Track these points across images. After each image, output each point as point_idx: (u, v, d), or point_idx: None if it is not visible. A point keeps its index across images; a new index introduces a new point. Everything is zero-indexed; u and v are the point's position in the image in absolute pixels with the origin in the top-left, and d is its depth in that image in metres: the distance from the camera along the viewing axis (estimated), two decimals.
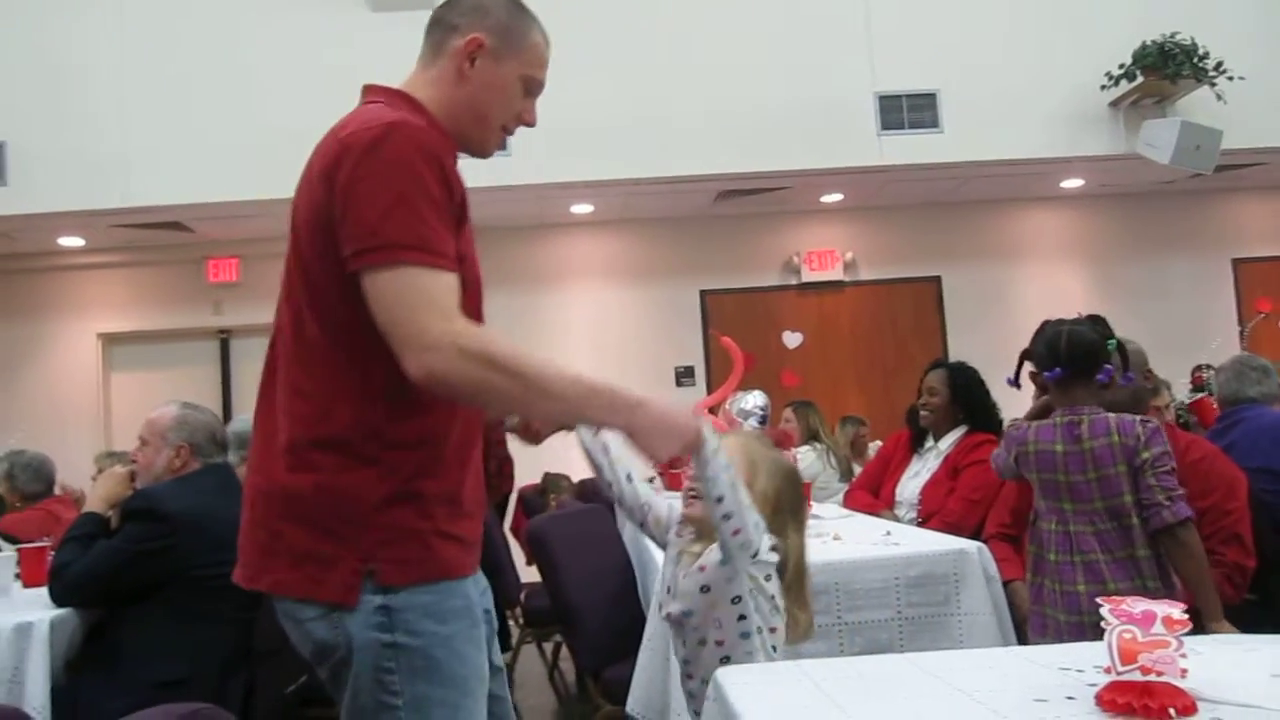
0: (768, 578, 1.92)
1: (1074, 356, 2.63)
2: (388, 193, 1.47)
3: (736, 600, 1.90)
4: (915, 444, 4.15)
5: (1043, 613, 2.60)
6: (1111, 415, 2.59)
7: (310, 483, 1.53)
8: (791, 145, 6.70)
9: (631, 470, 2.02)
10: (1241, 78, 6.39)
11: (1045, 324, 2.76)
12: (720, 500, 1.77)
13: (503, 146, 1.77)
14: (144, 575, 2.70)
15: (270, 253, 7.83)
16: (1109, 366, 2.61)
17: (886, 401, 7.44)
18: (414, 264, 1.45)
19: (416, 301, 1.45)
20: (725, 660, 1.91)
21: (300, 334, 1.58)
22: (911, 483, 4.02)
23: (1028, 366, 2.80)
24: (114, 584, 2.71)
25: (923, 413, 4.04)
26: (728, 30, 6.73)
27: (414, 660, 1.52)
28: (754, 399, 4.56)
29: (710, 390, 7.46)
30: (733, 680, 1.55)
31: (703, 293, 8.01)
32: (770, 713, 1.39)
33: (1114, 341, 2.65)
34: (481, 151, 1.74)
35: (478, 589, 1.67)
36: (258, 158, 6.40)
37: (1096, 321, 2.71)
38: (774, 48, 6.76)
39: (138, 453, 3.00)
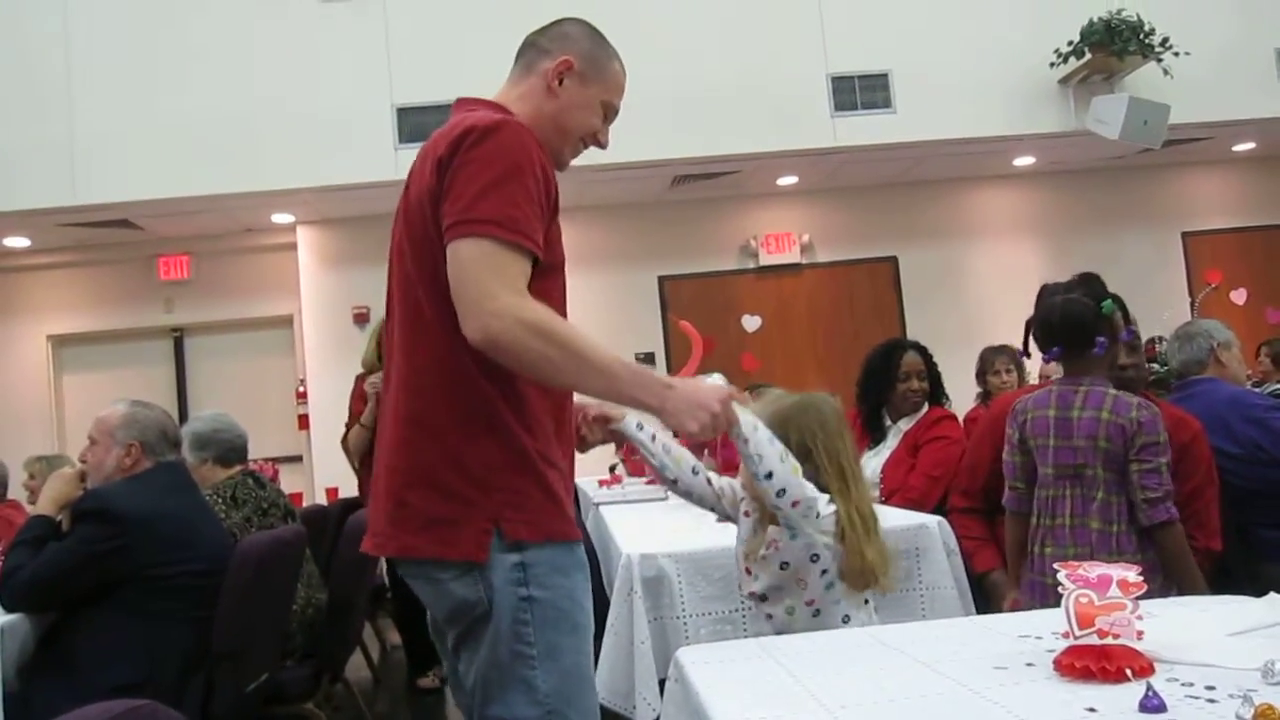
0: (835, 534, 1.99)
1: (1067, 332, 2.60)
2: (487, 174, 1.60)
3: (815, 558, 1.99)
4: (869, 425, 4.14)
5: (1029, 578, 2.61)
6: (1111, 391, 2.54)
7: (432, 451, 1.64)
8: (746, 128, 6.70)
9: (696, 463, 2.08)
10: (1187, 53, 6.47)
11: (1044, 290, 2.72)
12: (770, 476, 1.85)
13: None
14: (97, 577, 2.64)
15: (221, 249, 7.79)
16: (1102, 339, 2.56)
17: (846, 382, 7.38)
18: (494, 238, 1.58)
19: (487, 270, 1.57)
20: (817, 614, 2.01)
21: (413, 313, 1.69)
22: (872, 461, 4.03)
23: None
24: (66, 587, 2.66)
25: (913, 399, 4.02)
26: (680, 13, 6.70)
27: (546, 612, 1.65)
28: (713, 382, 4.53)
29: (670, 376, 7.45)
30: (693, 659, 1.55)
31: (661, 278, 7.99)
32: (732, 690, 1.38)
33: (1108, 304, 2.60)
34: (559, 162, 1.85)
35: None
36: (207, 153, 6.31)
37: (1090, 282, 2.65)
38: (726, 30, 6.75)
39: (87, 452, 2.94)
